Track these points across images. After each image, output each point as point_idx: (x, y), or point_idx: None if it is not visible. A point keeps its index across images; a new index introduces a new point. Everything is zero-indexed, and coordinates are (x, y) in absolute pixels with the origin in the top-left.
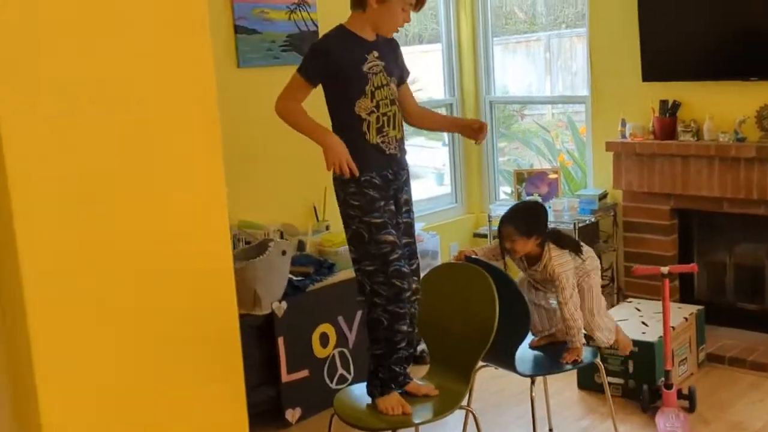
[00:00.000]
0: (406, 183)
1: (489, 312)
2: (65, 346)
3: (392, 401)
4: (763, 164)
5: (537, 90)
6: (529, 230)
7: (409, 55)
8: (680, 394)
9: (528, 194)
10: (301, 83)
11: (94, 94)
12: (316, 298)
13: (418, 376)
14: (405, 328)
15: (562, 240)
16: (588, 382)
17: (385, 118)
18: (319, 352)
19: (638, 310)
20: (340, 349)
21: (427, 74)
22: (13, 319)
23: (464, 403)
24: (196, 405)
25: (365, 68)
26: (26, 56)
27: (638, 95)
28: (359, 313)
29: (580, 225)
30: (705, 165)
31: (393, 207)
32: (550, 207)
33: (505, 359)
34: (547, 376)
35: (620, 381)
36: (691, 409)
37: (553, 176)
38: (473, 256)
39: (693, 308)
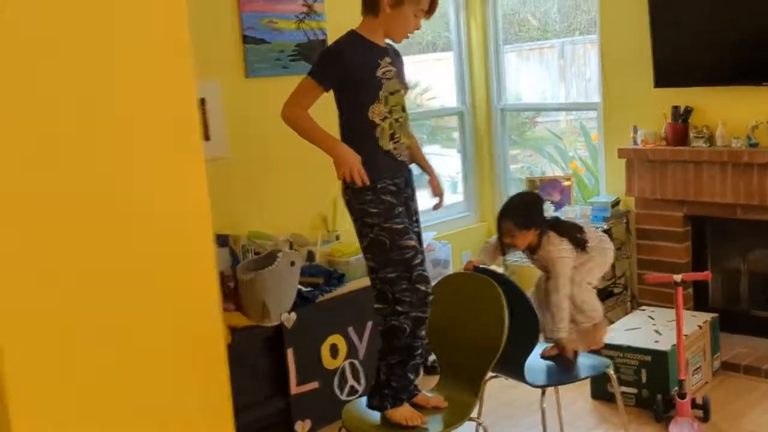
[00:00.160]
0: (414, 192)
1: (498, 322)
2: (37, 358)
3: (407, 411)
4: None
5: (551, 97)
6: (528, 222)
7: (423, 63)
8: (694, 404)
9: None
10: (312, 87)
11: (72, 108)
12: (325, 309)
13: (428, 388)
14: (424, 333)
15: (562, 228)
16: (601, 391)
17: (397, 125)
18: (329, 363)
19: (651, 318)
20: (350, 360)
21: (441, 82)
22: None
23: (474, 414)
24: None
25: (379, 73)
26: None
27: (650, 101)
28: (369, 324)
29: None
30: (718, 171)
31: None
32: (562, 215)
33: (514, 369)
34: (560, 386)
35: (634, 390)
36: (705, 418)
37: (565, 183)
38: (482, 266)
39: (707, 316)
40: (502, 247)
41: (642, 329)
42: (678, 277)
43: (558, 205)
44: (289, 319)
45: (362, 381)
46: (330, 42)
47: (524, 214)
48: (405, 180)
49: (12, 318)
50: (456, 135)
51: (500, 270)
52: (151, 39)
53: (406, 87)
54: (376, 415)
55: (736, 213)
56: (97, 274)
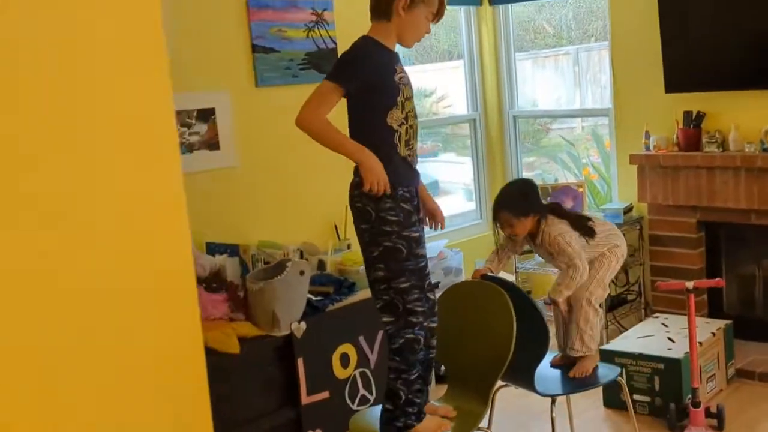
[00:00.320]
0: (419, 201)
1: (506, 330)
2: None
3: (434, 422)
4: None
5: (566, 104)
6: (524, 209)
7: (439, 71)
8: (708, 413)
9: None
10: (331, 91)
11: (43, 119)
12: (336, 318)
13: (436, 397)
14: (435, 342)
15: (561, 211)
16: (614, 400)
17: (411, 131)
18: (340, 373)
19: (665, 325)
20: (361, 369)
21: (456, 90)
22: None
23: (484, 424)
24: None
25: (396, 78)
26: None
27: (662, 107)
28: (380, 333)
29: None
30: (731, 176)
31: None
32: None
33: (524, 378)
34: (572, 395)
35: (647, 399)
36: (719, 427)
37: (578, 190)
38: (489, 274)
39: (721, 323)
40: (511, 244)
41: (655, 336)
42: (690, 284)
43: None
44: (299, 328)
45: (374, 390)
46: (341, 50)
47: (519, 202)
48: (416, 187)
49: None
50: (470, 142)
51: (511, 278)
52: (127, 49)
53: None
54: None
55: (750, 218)
56: (69, 291)
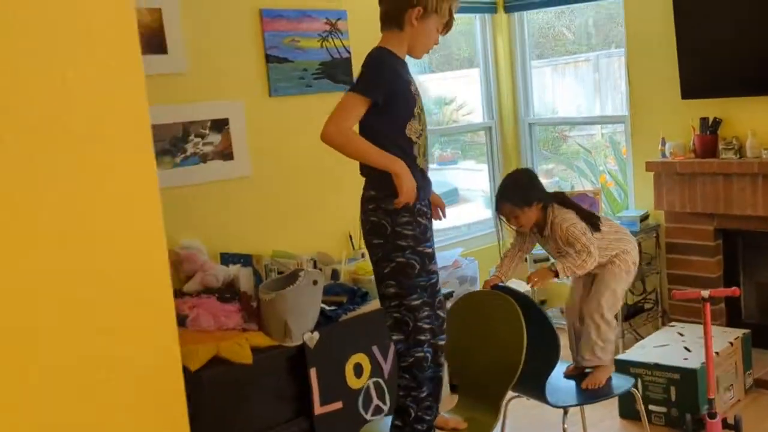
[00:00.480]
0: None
1: (517, 340)
2: None
3: None
4: None
5: (587, 110)
6: (526, 198)
7: (459, 79)
8: (725, 424)
9: None
10: (358, 103)
11: (18, 127)
12: (349, 328)
13: (447, 408)
14: (443, 360)
15: (568, 201)
16: (630, 410)
17: (426, 142)
18: (353, 383)
19: (681, 335)
20: (374, 379)
21: (475, 98)
22: None
23: None
24: None
25: (412, 89)
26: None
27: (678, 113)
28: None
29: None
30: (748, 183)
31: None
32: None
33: (535, 389)
34: (587, 405)
35: (663, 409)
36: None
37: (594, 198)
38: (500, 284)
39: (739, 332)
40: (518, 244)
41: (671, 346)
42: (705, 293)
43: None
44: (312, 338)
45: (387, 400)
46: (355, 59)
47: (521, 191)
48: (428, 201)
49: None
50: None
51: (523, 287)
52: (99, 46)
53: None
54: None
55: None
56: (43, 305)
